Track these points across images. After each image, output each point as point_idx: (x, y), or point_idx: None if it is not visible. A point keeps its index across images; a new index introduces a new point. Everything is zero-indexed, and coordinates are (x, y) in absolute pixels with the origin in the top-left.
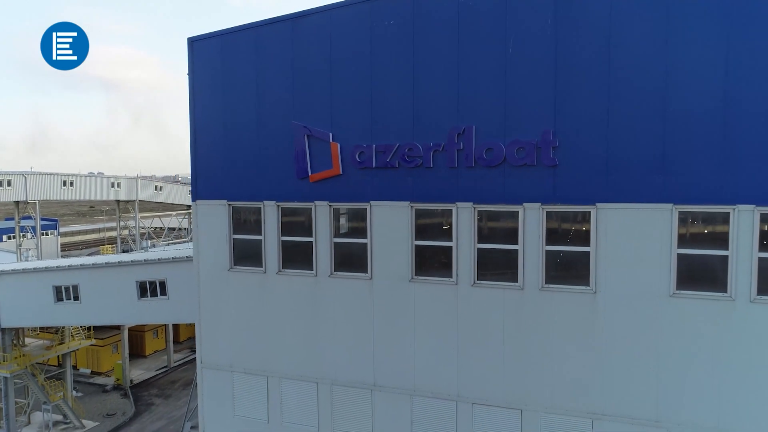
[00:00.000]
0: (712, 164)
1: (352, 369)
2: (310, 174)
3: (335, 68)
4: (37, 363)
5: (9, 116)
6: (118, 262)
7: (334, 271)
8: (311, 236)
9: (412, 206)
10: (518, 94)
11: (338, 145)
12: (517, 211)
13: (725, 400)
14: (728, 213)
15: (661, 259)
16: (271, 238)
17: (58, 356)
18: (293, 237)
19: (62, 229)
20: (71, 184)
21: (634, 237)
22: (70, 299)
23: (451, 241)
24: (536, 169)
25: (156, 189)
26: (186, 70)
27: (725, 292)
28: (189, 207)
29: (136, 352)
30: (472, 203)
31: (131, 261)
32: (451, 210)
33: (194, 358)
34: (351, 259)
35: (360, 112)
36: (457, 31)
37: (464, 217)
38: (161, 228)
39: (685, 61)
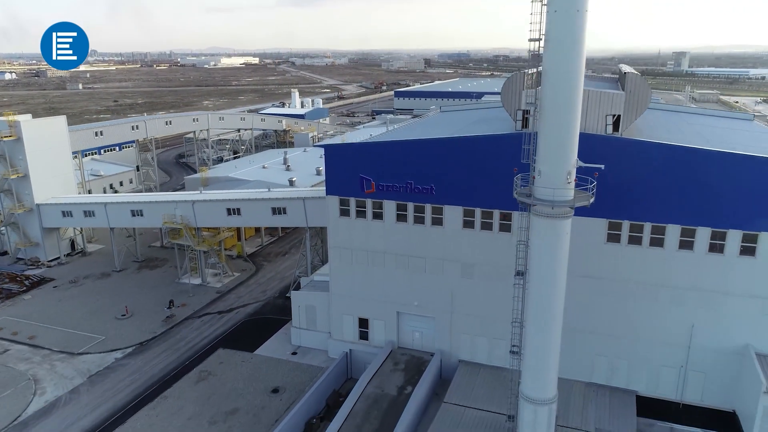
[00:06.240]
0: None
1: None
2: (365, 191)
3: (376, 155)
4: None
5: None
6: (261, 198)
7: (372, 219)
8: (365, 207)
9: (408, 204)
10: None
11: (375, 182)
12: (442, 207)
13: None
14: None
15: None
16: (352, 208)
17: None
18: (361, 207)
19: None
20: (170, 123)
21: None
22: (236, 215)
23: (425, 213)
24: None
25: (219, 119)
26: None
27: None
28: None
29: (240, 237)
30: (430, 204)
31: (268, 198)
32: (424, 206)
33: (275, 240)
34: (381, 217)
35: (386, 173)
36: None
37: (428, 210)
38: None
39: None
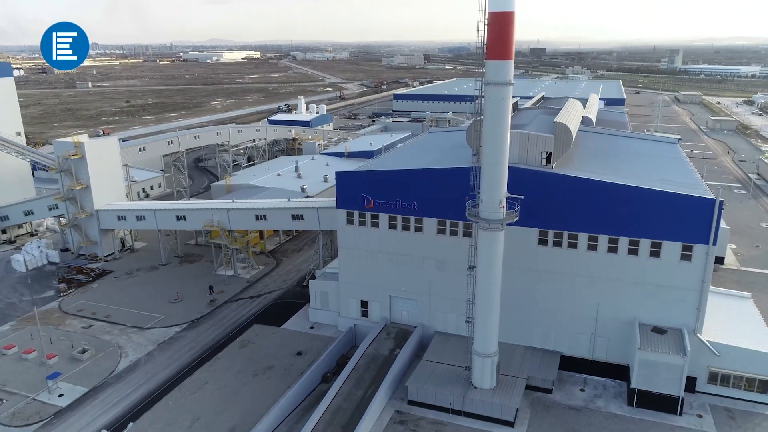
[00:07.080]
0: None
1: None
2: (365, 206)
3: (373, 180)
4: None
5: None
6: (284, 207)
7: (371, 227)
8: (365, 218)
9: (397, 216)
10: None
11: (372, 200)
12: (422, 219)
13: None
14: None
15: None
16: (356, 218)
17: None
18: (362, 218)
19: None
20: (198, 137)
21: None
22: (262, 220)
23: (409, 223)
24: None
25: (239, 132)
26: None
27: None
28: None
29: (261, 236)
30: (413, 216)
31: (289, 207)
32: (409, 218)
33: (291, 239)
34: (377, 225)
35: (380, 193)
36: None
37: (412, 221)
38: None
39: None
